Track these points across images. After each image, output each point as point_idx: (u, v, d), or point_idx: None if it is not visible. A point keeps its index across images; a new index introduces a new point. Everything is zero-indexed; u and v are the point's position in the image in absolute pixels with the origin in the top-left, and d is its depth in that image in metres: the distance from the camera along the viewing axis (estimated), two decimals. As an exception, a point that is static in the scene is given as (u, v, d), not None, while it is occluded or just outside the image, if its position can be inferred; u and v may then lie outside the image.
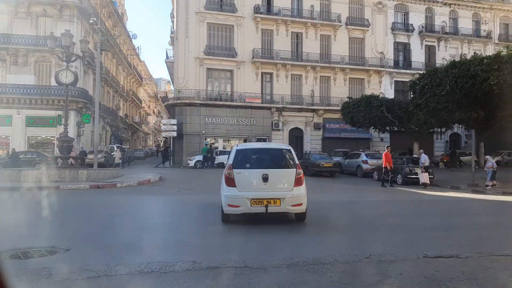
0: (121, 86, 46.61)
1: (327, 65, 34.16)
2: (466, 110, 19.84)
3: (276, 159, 7.43)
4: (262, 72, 33.48)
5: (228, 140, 33.43)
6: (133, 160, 38.70)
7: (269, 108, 32.90)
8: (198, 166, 26.24)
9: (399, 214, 10.27)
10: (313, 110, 34.03)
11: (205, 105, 31.64)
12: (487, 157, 16.64)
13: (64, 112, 17.71)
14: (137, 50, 54.18)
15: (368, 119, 25.61)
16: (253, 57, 32.57)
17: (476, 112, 20.09)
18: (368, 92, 31.43)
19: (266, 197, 6.86)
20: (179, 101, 31.57)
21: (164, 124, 31.07)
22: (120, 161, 26.51)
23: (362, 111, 25.56)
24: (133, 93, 55.61)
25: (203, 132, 31.55)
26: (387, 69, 35.40)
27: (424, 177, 16.11)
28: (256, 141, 25.62)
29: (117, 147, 30.78)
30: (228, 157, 7.80)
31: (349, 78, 35.26)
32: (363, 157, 21.17)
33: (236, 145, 8.31)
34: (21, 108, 29.60)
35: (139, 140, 62.52)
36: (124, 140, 50.26)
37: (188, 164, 27.60)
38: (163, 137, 42.01)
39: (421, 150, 18.64)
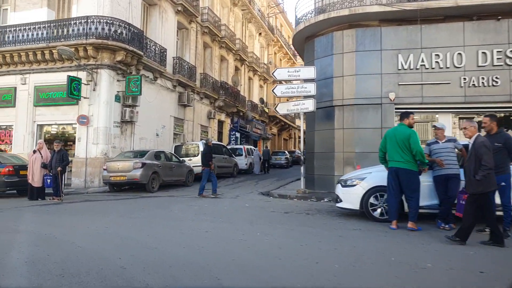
0: (251, 54, 29.67)
1: None
2: None
3: None
4: None
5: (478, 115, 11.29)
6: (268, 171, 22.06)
7: None
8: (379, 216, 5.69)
9: None
10: None
11: (394, 19, 10.64)
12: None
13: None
14: (281, 5, 36.59)
15: None
16: None
17: None
18: None
19: None
20: (321, 19, 11.53)
21: (280, 83, 11.52)
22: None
23: None
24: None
25: (393, 98, 10.59)
26: None
27: None
28: None
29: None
30: None
31: None
32: None
33: None
34: (27, 71, 15.45)
35: (293, 140, 44.70)
36: (261, 140, 33.20)
37: (338, 196, 7.18)
38: (280, 114, 23.21)
39: None
